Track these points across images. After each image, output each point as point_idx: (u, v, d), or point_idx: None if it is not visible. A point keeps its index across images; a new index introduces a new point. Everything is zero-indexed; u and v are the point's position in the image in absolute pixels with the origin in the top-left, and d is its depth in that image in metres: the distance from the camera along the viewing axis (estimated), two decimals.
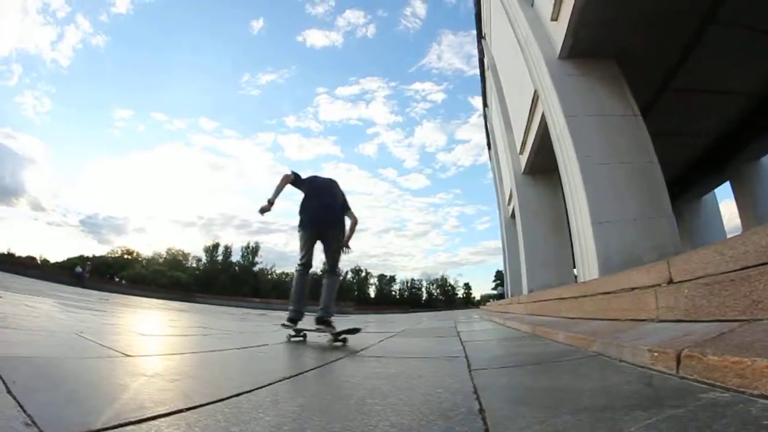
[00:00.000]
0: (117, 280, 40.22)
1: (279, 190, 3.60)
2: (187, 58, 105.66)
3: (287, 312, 3.62)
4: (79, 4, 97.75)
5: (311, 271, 3.61)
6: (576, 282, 5.97)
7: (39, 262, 44.04)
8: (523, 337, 3.58)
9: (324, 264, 3.70)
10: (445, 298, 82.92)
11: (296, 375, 1.74)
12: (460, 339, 3.72)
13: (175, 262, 66.14)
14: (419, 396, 1.27)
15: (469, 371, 1.76)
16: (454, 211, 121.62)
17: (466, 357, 2.31)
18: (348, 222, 3.88)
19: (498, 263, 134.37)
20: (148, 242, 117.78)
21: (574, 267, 7.14)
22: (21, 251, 48.42)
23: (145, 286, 35.36)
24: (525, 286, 9.79)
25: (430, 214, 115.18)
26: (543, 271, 9.33)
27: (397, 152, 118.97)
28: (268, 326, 5.76)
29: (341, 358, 2.38)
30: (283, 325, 3.65)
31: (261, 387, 1.39)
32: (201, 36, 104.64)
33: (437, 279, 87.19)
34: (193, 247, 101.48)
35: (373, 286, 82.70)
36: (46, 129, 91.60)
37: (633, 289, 2.56)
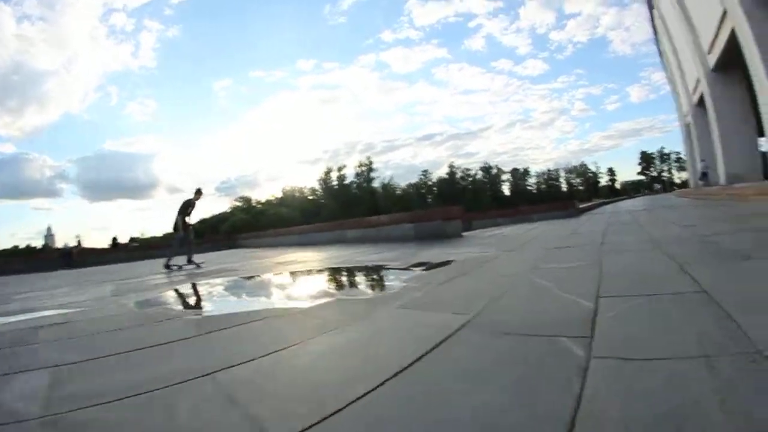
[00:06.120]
0: (130, 244, 33.50)
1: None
2: (262, 9, 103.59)
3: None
4: (140, 11, 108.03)
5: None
6: None
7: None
8: None
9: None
10: (585, 187, 72.25)
11: None
12: None
13: (287, 198, 64.70)
14: None
15: None
16: (579, 94, 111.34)
17: None
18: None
19: (637, 145, 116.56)
20: (281, 186, 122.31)
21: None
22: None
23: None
24: (722, 173, 12.43)
25: (554, 101, 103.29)
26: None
27: (506, 41, 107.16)
28: None
29: None
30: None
31: None
32: None
33: (576, 167, 76.18)
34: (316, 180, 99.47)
35: (507, 183, 75.58)
36: (157, 124, 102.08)
37: None
